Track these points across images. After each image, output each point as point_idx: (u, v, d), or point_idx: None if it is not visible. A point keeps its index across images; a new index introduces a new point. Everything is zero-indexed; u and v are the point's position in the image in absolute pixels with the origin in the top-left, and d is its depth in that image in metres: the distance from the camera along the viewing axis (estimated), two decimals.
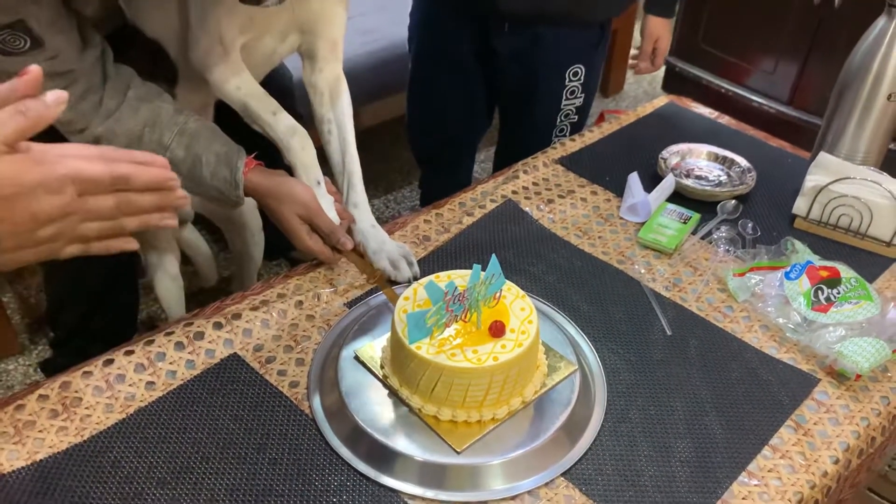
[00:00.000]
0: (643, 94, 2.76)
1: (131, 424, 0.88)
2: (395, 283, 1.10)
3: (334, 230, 1.10)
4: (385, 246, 1.13)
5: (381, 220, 2.12)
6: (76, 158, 0.66)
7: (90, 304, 1.51)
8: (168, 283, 1.38)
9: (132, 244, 0.73)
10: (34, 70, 0.62)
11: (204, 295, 1.78)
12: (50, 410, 0.89)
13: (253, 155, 1.12)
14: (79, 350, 1.39)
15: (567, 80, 1.58)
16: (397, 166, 2.35)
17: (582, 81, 1.59)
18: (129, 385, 0.92)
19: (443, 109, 1.74)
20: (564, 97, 1.60)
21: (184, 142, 1.07)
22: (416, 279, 1.09)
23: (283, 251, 1.91)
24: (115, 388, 0.92)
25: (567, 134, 1.66)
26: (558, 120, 1.64)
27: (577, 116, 1.65)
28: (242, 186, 1.09)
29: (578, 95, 1.61)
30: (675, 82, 2.59)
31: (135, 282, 1.60)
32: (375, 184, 2.28)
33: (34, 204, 0.63)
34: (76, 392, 0.91)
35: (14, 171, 0.62)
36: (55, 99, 0.63)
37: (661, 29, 1.69)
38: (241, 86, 1.10)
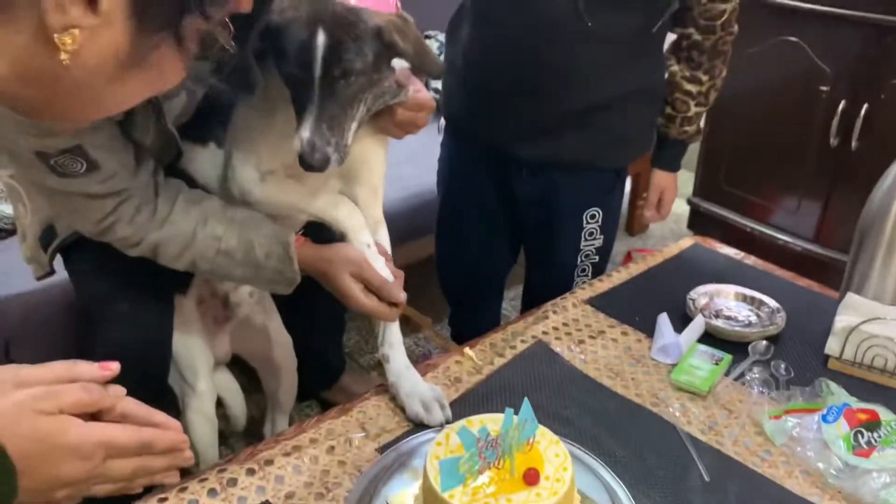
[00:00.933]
0: (669, 232, 2.81)
1: None
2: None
3: (386, 284, 1.12)
4: (417, 388, 1.13)
5: (412, 359, 2.15)
6: (107, 425, 0.70)
7: None
8: (203, 424, 1.38)
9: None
10: (114, 368, 0.72)
11: (234, 437, 1.78)
12: None
13: (300, 231, 1.17)
14: None
15: (585, 222, 1.64)
16: (427, 304, 2.39)
17: (600, 224, 1.65)
18: None
19: (469, 248, 1.80)
20: (584, 238, 1.65)
21: (235, 231, 1.11)
22: (448, 423, 1.09)
23: (314, 392, 1.92)
24: None
25: (589, 274, 1.69)
26: (579, 260, 1.68)
27: (597, 257, 1.69)
28: (296, 260, 1.12)
29: (597, 237, 1.66)
30: (699, 221, 2.64)
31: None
32: (405, 323, 2.31)
33: (63, 467, 0.66)
34: None
35: (57, 430, 0.66)
36: (115, 392, 0.72)
37: (667, 181, 1.78)
38: (282, 190, 1.14)
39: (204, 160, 1.18)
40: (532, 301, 1.58)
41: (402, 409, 1.13)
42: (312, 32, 0.97)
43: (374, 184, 1.22)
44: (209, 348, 1.38)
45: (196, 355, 1.34)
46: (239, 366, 1.68)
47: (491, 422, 0.94)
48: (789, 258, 2.28)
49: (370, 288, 1.13)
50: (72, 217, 1.11)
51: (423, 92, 1.12)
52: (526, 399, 0.91)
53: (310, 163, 0.99)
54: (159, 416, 0.76)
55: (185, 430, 1.40)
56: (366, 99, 1.03)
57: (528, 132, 1.54)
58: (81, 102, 0.64)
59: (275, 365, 1.57)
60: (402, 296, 1.14)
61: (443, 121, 1.73)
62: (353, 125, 1.02)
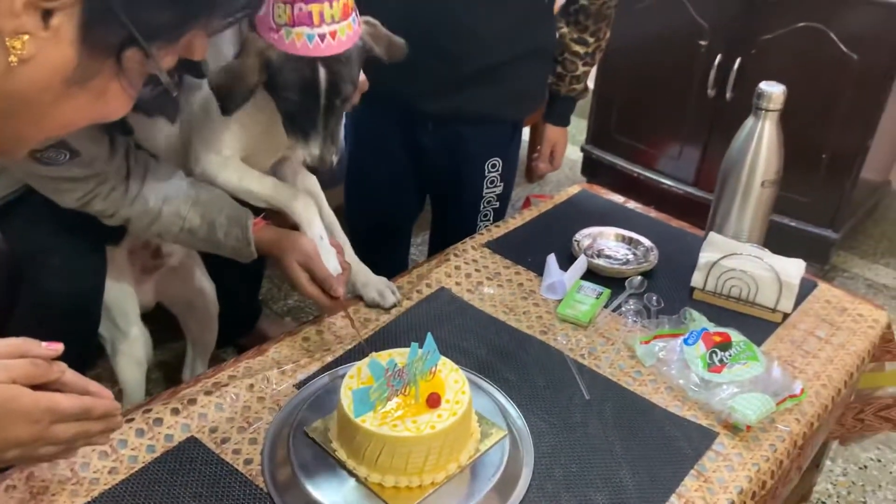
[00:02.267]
0: (565, 178, 2.97)
1: None
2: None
3: (329, 279, 1.22)
4: (370, 278, 1.35)
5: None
6: (53, 394, 0.80)
7: None
8: (133, 368, 1.44)
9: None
10: (58, 348, 0.82)
11: (153, 383, 1.83)
12: (18, 500, 0.95)
13: (261, 215, 1.26)
14: None
15: (486, 171, 1.76)
16: None
17: (500, 172, 1.77)
18: (94, 471, 0.99)
19: (377, 197, 1.89)
20: (485, 186, 1.78)
21: (198, 211, 1.22)
22: (399, 304, 1.33)
23: (231, 338, 1.98)
24: (79, 474, 0.99)
25: (491, 219, 1.82)
26: (481, 206, 1.80)
27: (498, 203, 1.82)
28: (253, 243, 1.23)
29: (498, 184, 1.79)
30: (592, 168, 2.81)
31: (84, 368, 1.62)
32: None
33: (15, 430, 0.76)
34: (42, 481, 0.97)
35: (9, 397, 0.76)
36: (59, 367, 0.81)
37: (558, 135, 1.93)
38: (242, 177, 1.25)
39: (154, 131, 1.24)
40: (438, 245, 1.69)
41: (360, 298, 1.34)
42: (314, 70, 1.09)
43: None
44: (137, 295, 1.43)
45: (127, 302, 1.39)
46: (154, 314, 1.72)
47: (398, 355, 1.05)
48: (672, 201, 2.48)
49: (314, 279, 1.23)
50: (54, 195, 1.17)
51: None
52: (430, 333, 1.02)
53: (322, 171, 1.23)
54: (94, 385, 0.86)
55: (115, 375, 1.44)
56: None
57: (434, 89, 1.63)
58: (24, 121, 0.69)
59: (199, 310, 1.63)
60: (340, 291, 1.24)
61: None
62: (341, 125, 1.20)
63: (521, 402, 1.14)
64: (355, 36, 1.11)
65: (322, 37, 1.07)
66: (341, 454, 1.00)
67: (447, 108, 1.66)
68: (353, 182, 1.92)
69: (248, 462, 1.03)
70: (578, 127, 3.36)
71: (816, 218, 2.37)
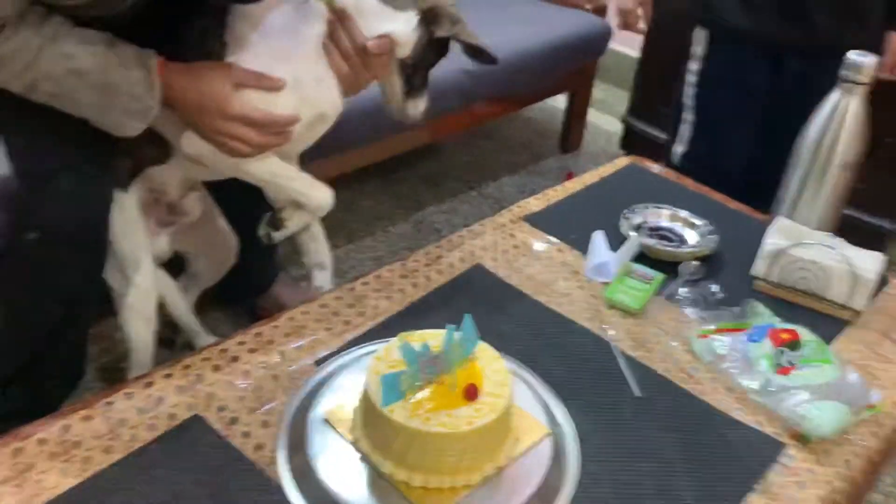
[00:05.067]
0: (601, 150, 2.82)
1: (88, 489, 0.84)
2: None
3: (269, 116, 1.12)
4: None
5: (343, 271, 2.13)
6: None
7: (40, 347, 1.42)
8: (140, 323, 1.32)
9: None
10: None
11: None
12: (2, 477, 0.84)
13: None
14: (24, 395, 1.34)
15: None
16: (358, 216, 2.35)
17: None
18: (87, 449, 0.88)
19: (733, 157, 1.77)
20: None
21: (90, 50, 1.03)
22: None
23: (244, 299, 1.87)
24: (70, 452, 0.88)
25: None
26: None
27: None
28: (158, 87, 1.06)
29: None
30: (632, 141, 2.66)
31: (88, 320, 1.51)
32: (337, 233, 2.26)
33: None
34: (30, 458, 0.87)
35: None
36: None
37: None
38: None
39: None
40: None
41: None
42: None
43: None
44: (150, 245, 1.32)
45: (138, 247, 1.27)
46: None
47: (431, 337, 0.92)
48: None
49: (256, 122, 1.11)
50: None
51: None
52: (468, 315, 0.90)
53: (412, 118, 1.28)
54: None
55: (120, 329, 1.33)
56: None
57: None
58: None
59: (215, 260, 1.55)
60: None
61: None
62: None
63: (564, 397, 1.02)
64: None
65: None
66: (364, 446, 0.89)
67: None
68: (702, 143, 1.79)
69: (258, 448, 0.91)
70: (617, 97, 3.20)
71: (872, 206, 2.21)
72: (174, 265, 1.54)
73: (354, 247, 2.29)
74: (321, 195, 1.27)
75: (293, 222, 1.30)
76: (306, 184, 1.25)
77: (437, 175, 2.59)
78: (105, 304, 1.35)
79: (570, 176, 2.39)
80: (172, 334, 1.61)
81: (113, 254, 1.26)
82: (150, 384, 0.98)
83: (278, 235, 1.31)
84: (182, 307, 1.51)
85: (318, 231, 1.39)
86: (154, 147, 1.22)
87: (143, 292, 1.30)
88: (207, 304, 1.81)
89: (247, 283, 1.76)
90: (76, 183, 1.15)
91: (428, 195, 2.49)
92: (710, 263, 1.32)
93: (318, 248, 1.38)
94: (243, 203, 1.43)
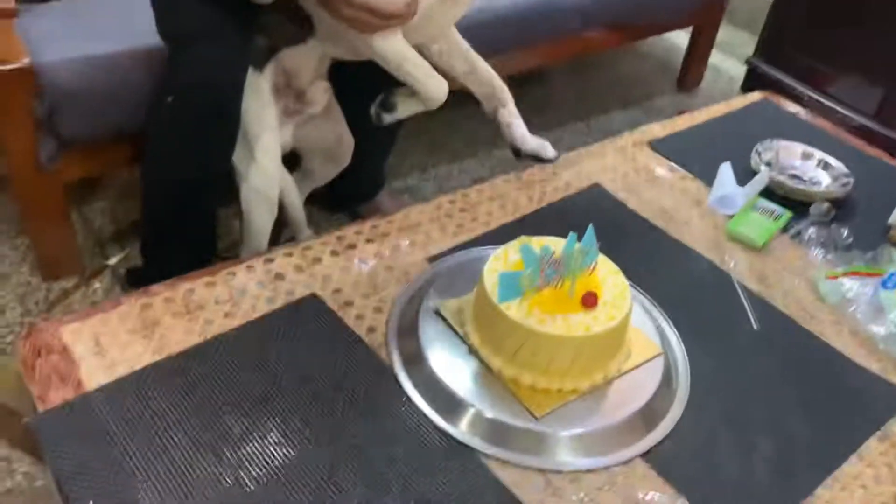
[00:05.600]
0: (720, 93, 2.69)
1: (209, 349, 0.87)
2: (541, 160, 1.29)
3: None
4: (527, 132, 1.33)
5: (445, 190, 2.11)
6: None
7: (171, 218, 1.44)
8: (262, 204, 1.34)
9: None
10: None
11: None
12: (130, 327, 0.88)
13: None
14: (160, 260, 1.41)
15: None
16: (461, 136, 2.33)
17: None
18: (209, 312, 0.92)
19: None
20: None
21: None
22: (557, 159, 1.28)
23: (349, 206, 1.89)
24: (194, 313, 0.91)
25: None
26: None
27: None
28: None
29: None
30: (754, 84, 2.51)
31: (216, 197, 1.50)
32: (440, 152, 2.25)
33: None
34: (157, 314, 0.91)
35: None
36: None
37: None
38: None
39: None
40: None
41: (515, 152, 1.33)
42: None
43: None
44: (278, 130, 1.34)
45: (267, 129, 1.29)
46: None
47: (553, 243, 0.91)
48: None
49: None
50: None
51: None
52: (591, 226, 0.88)
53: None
54: None
55: (241, 211, 1.35)
56: None
57: None
58: None
59: (331, 160, 1.55)
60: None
61: None
62: None
63: (678, 322, 0.99)
64: None
65: None
66: (475, 339, 0.89)
67: None
68: None
69: (371, 330, 0.93)
70: (741, 40, 3.03)
71: None
72: (288, 162, 1.56)
73: (457, 166, 2.27)
74: (437, 86, 1.24)
75: (404, 107, 1.29)
76: (425, 72, 1.22)
77: (543, 102, 2.52)
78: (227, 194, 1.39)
79: (680, 114, 2.30)
80: (277, 229, 1.65)
81: (243, 135, 1.28)
82: (270, 260, 1.00)
83: (388, 117, 1.31)
84: (295, 200, 1.53)
85: None
86: (295, 25, 1.22)
87: (268, 175, 1.32)
88: (312, 206, 1.84)
89: (355, 189, 1.77)
90: (214, 51, 1.16)
91: (533, 122, 2.42)
92: (842, 207, 1.25)
93: None
94: (363, 106, 1.43)
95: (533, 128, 2.46)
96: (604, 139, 1.35)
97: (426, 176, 2.16)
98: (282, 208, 1.51)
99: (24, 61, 1.30)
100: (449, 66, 1.34)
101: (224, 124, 1.22)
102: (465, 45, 1.33)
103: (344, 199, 1.82)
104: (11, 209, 1.73)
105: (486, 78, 1.33)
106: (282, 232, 1.69)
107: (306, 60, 1.32)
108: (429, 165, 2.19)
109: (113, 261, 1.67)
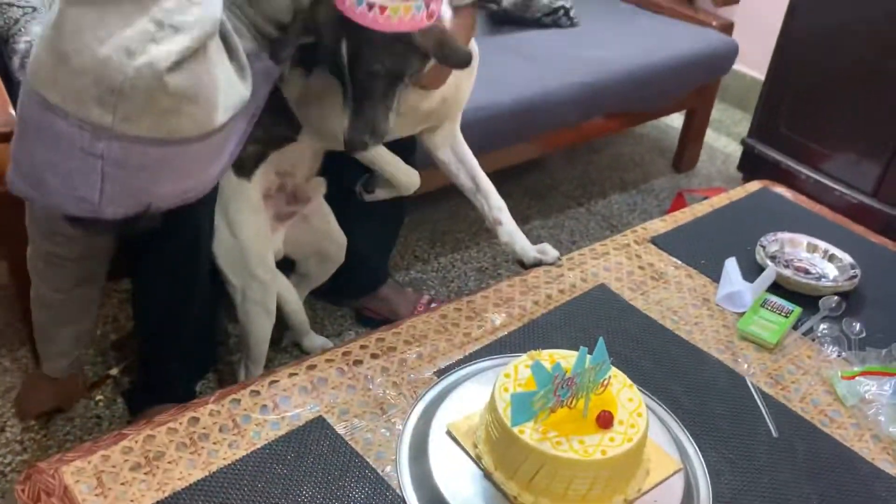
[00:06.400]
0: (716, 172, 2.71)
1: (214, 484, 0.84)
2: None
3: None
4: (527, 243, 1.32)
5: (448, 280, 2.12)
6: None
7: (178, 328, 1.46)
8: (262, 317, 1.34)
9: None
10: None
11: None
12: (133, 463, 0.86)
13: None
14: (160, 373, 1.40)
15: None
16: (465, 226, 2.34)
17: None
18: (213, 443, 0.89)
19: None
20: None
21: None
22: (560, 261, 1.28)
23: (349, 299, 1.88)
24: (198, 444, 0.89)
25: None
26: None
27: None
28: None
29: None
30: (751, 164, 2.54)
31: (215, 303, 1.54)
32: (442, 242, 2.26)
33: None
34: (159, 447, 0.88)
35: None
36: None
37: None
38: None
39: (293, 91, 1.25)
40: None
41: (521, 263, 1.31)
42: (338, 36, 1.05)
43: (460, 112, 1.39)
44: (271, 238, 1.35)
45: (259, 238, 1.29)
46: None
47: (562, 358, 0.89)
48: (843, 211, 2.19)
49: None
50: None
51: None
52: (601, 339, 0.86)
53: (351, 149, 1.14)
54: None
55: (242, 323, 1.35)
56: (401, 88, 1.11)
57: None
58: None
59: (324, 260, 1.56)
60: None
61: None
62: (391, 113, 1.12)
63: (695, 432, 0.97)
64: (411, 24, 1.03)
65: (371, 6, 1.01)
66: (488, 462, 0.86)
67: None
68: None
69: (380, 454, 0.90)
70: (734, 118, 3.09)
71: None
72: (283, 266, 1.56)
73: (459, 256, 2.27)
74: (407, 177, 1.38)
75: (382, 191, 1.44)
76: (400, 167, 1.36)
77: (543, 188, 2.55)
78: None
79: (679, 198, 2.31)
80: (278, 333, 1.63)
81: (236, 248, 1.27)
82: (275, 382, 0.98)
83: (368, 197, 1.45)
84: (295, 306, 1.52)
85: None
86: (282, 126, 1.24)
87: (266, 287, 1.32)
88: (314, 301, 1.83)
89: (357, 284, 1.77)
90: None
91: (533, 209, 2.45)
92: (852, 300, 1.24)
93: None
94: (355, 206, 1.46)
95: (533, 215, 2.49)
96: (604, 222, 1.36)
97: (428, 267, 2.16)
98: (280, 310, 1.50)
99: None
100: (454, 177, 1.41)
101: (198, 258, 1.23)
102: (472, 161, 1.40)
103: (346, 294, 1.81)
104: (12, 318, 1.72)
105: (486, 197, 1.39)
106: (283, 335, 1.68)
107: (300, 157, 1.33)
108: (431, 256, 2.19)
109: (115, 371, 1.65)
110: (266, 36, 1.06)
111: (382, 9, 1.01)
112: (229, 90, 0.92)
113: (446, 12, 1.15)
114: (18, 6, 1.55)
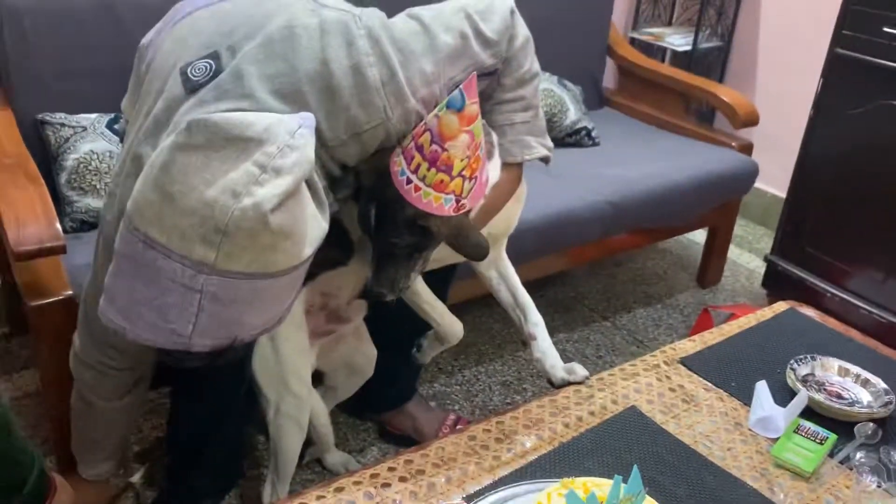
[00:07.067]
0: (741, 288, 2.72)
1: None
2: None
3: None
4: (558, 361, 1.33)
5: (472, 394, 2.10)
6: None
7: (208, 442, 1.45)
8: (295, 433, 1.34)
9: None
10: None
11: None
12: None
13: None
14: (187, 490, 1.40)
15: None
16: (488, 338, 2.34)
17: None
18: None
19: None
20: None
21: None
22: (589, 380, 1.29)
23: (373, 413, 1.87)
24: None
25: None
26: None
27: None
28: None
29: None
30: (775, 280, 2.55)
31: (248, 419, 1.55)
32: (466, 354, 2.26)
33: None
34: None
35: None
36: None
37: None
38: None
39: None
40: None
41: (549, 381, 1.32)
42: (368, 200, 1.13)
43: (504, 241, 1.45)
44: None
45: (299, 353, 1.31)
46: None
47: (596, 486, 0.88)
48: (870, 330, 2.18)
49: None
50: None
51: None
52: (636, 467, 0.85)
53: (371, 298, 1.26)
54: None
55: (273, 438, 1.35)
56: (426, 254, 1.18)
57: None
58: None
59: (353, 375, 1.58)
60: None
61: None
62: (413, 273, 1.19)
63: None
64: (436, 210, 1.10)
65: (408, 181, 1.08)
66: None
67: None
68: None
69: None
70: (756, 234, 3.12)
71: None
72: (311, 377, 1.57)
73: (483, 369, 2.26)
74: (453, 328, 1.43)
75: (431, 350, 1.51)
76: (442, 312, 1.40)
77: (567, 302, 2.56)
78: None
79: (705, 314, 2.31)
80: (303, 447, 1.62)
81: (275, 361, 1.29)
82: None
83: (419, 357, 1.51)
84: (325, 421, 1.52)
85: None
86: (337, 250, 1.28)
87: (301, 402, 1.32)
88: (338, 414, 1.82)
89: (383, 398, 1.76)
90: None
91: (558, 322, 2.46)
92: (889, 426, 1.21)
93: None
94: (389, 322, 1.47)
95: (558, 327, 2.49)
96: (629, 337, 1.36)
97: (452, 380, 2.15)
98: (309, 425, 1.50)
99: (66, 293, 1.36)
100: (495, 292, 1.45)
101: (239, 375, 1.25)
102: (515, 279, 1.44)
103: (371, 408, 1.80)
104: (37, 416, 1.73)
105: (525, 311, 1.41)
106: (306, 451, 1.66)
107: (347, 281, 1.36)
108: (455, 370, 2.19)
109: (136, 478, 1.64)
110: (329, 173, 1.11)
111: (417, 188, 1.08)
112: (314, 224, 0.96)
113: (494, 174, 1.23)
114: (70, 126, 1.65)
